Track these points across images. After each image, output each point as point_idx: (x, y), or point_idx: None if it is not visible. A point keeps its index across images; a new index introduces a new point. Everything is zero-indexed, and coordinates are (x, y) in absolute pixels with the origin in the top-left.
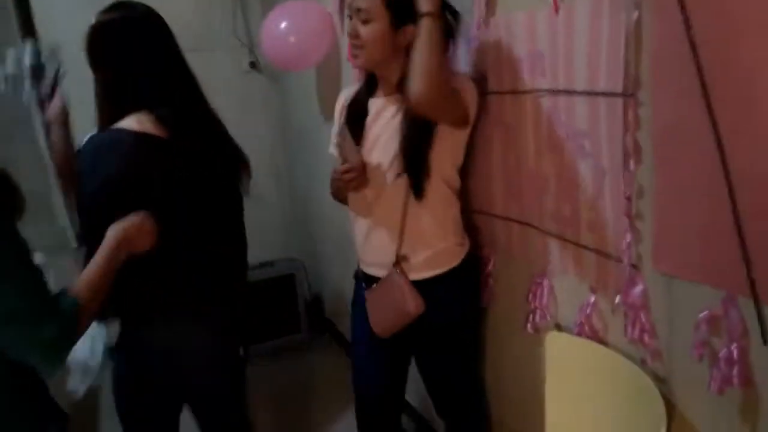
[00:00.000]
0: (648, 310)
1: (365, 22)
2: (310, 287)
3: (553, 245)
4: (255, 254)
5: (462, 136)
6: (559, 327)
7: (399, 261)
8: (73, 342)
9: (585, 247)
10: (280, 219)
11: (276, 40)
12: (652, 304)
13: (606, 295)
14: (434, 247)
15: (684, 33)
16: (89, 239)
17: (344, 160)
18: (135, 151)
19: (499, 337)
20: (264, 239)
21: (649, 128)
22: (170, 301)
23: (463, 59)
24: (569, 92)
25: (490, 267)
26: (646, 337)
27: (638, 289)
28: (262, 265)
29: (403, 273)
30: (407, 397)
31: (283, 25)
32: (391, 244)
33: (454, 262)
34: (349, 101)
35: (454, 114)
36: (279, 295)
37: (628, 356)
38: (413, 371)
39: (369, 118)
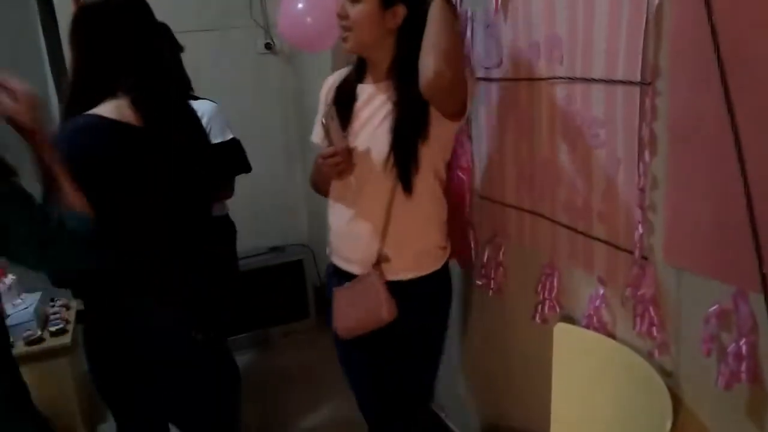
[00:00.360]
0: (657, 304)
1: (354, 1)
2: (319, 272)
3: (564, 236)
4: (266, 239)
5: (453, 128)
6: (567, 319)
7: (379, 261)
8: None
9: (596, 239)
10: (292, 203)
11: (292, 20)
12: (661, 298)
13: (615, 287)
14: (418, 248)
15: (704, 20)
16: None
17: (329, 144)
18: (110, 139)
19: (506, 327)
20: (275, 223)
21: (666, 119)
22: (146, 290)
23: (480, 45)
24: (586, 80)
25: (500, 256)
26: (654, 331)
27: (648, 281)
28: (272, 249)
29: (382, 275)
30: None
31: (299, 5)
32: (373, 241)
33: (435, 266)
34: (337, 85)
35: (459, 101)
36: (288, 280)
37: (635, 349)
38: None
39: (358, 104)
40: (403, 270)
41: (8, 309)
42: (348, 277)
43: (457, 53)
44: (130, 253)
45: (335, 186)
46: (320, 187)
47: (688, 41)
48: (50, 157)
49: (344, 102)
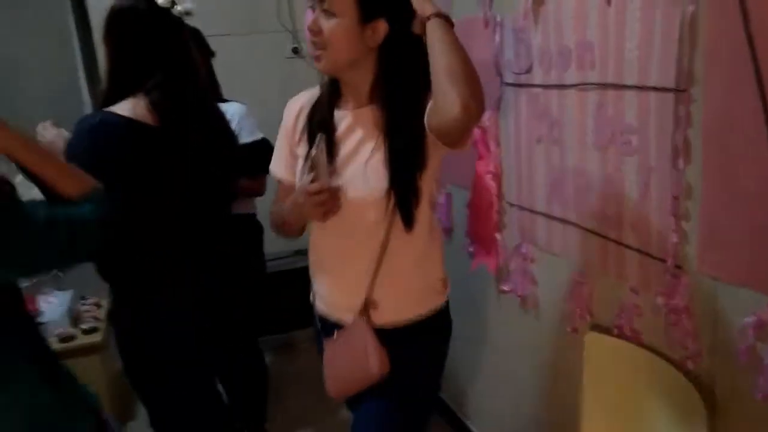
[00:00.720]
0: (691, 313)
1: (329, 14)
2: None
3: (595, 244)
4: (290, 241)
5: (445, 152)
6: (598, 327)
7: (367, 307)
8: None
9: (628, 247)
10: None
11: None
12: (695, 307)
13: (648, 296)
14: (418, 285)
15: (740, 28)
16: None
17: (314, 179)
18: (122, 137)
19: (535, 335)
20: None
21: (701, 126)
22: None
23: (509, 50)
24: (618, 86)
25: (528, 263)
26: (688, 341)
27: (682, 291)
28: (297, 252)
29: (370, 322)
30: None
31: None
32: (361, 285)
33: (436, 304)
34: (308, 112)
35: (473, 131)
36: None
37: (668, 359)
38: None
39: (337, 135)
40: (398, 313)
41: (42, 307)
42: (338, 327)
43: (478, 79)
44: (143, 253)
45: (319, 227)
46: (289, 227)
47: (725, 49)
48: (21, 154)
49: (321, 132)
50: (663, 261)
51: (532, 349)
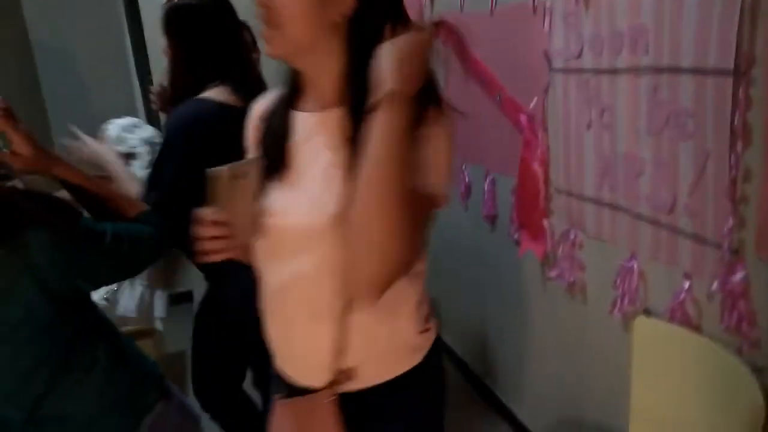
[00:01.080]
0: (748, 298)
1: None
2: None
3: (646, 229)
4: None
5: None
6: (648, 312)
7: (337, 377)
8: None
9: (681, 231)
10: None
11: None
12: (753, 292)
13: (702, 281)
14: (388, 341)
15: None
16: (167, 206)
17: (222, 204)
18: (219, 120)
19: (583, 321)
20: None
21: (761, 108)
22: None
23: (558, 36)
24: (674, 69)
25: (576, 249)
26: (744, 326)
27: (738, 276)
28: None
29: (337, 400)
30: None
31: None
32: (326, 341)
33: (416, 359)
34: (266, 115)
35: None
36: None
37: (723, 344)
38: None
39: (294, 142)
40: (370, 376)
41: (100, 292)
42: (290, 387)
43: (410, 219)
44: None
45: (267, 263)
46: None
47: None
48: (73, 177)
49: (273, 139)
50: (718, 246)
51: (578, 334)
